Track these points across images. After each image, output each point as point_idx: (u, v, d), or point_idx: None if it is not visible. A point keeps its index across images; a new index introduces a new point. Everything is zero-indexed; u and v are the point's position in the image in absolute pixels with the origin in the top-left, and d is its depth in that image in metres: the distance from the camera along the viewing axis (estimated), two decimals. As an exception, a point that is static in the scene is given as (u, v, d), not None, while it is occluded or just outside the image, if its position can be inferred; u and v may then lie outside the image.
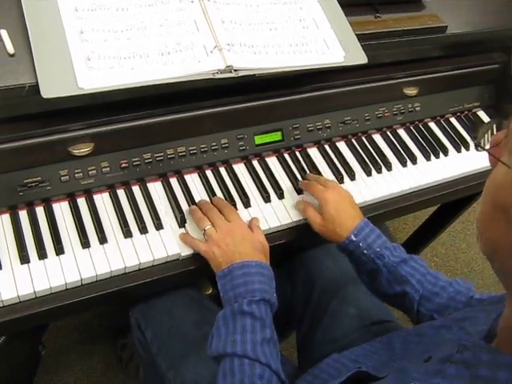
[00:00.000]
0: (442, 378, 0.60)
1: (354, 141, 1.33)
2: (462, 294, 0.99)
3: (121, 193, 1.09)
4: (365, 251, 1.03)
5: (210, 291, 1.67)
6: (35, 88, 0.89)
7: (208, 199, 1.12)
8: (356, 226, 1.04)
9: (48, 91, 0.87)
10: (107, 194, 1.08)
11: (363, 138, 1.35)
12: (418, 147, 1.38)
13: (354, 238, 1.03)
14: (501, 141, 0.55)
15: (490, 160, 0.58)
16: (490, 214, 0.55)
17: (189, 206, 1.10)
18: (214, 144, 1.15)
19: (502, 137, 0.55)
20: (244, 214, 1.12)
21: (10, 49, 0.93)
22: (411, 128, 1.42)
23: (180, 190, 1.12)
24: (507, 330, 0.62)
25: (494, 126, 0.64)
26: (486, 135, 0.65)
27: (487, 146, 0.59)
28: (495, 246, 0.55)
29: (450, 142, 1.41)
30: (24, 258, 0.94)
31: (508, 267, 0.55)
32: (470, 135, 1.44)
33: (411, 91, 1.36)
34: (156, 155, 1.10)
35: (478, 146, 0.58)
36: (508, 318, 0.62)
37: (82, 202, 1.05)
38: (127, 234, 1.02)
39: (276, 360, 0.87)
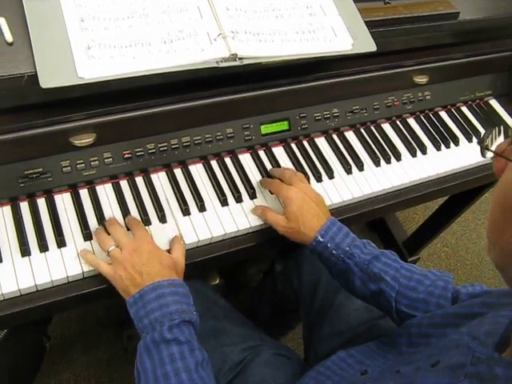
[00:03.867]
0: None
1: (362, 130, 1.31)
2: (439, 287, 0.95)
3: (124, 184, 1.07)
4: (334, 251, 0.99)
5: (218, 281, 1.66)
6: (34, 77, 0.87)
7: (213, 190, 1.10)
8: (322, 226, 1.00)
9: (47, 81, 0.85)
10: (110, 185, 1.06)
11: (372, 128, 1.32)
12: (427, 137, 1.35)
13: (320, 239, 0.99)
14: (505, 149, 0.54)
15: (495, 168, 0.56)
16: (500, 220, 0.54)
17: (193, 197, 1.08)
18: (219, 134, 1.13)
19: (506, 146, 0.54)
20: (249, 204, 1.10)
21: (9, 37, 0.91)
22: (421, 117, 1.39)
23: (184, 181, 1.10)
24: None
25: (498, 130, 0.62)
26: (490, 138, 0.63)
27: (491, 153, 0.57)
28: (509, 255, 0.53)
29: (461, 132, 1.38)
30: (25, 251, 0.93)
31: None
32: (481, 124, 1.41)
33: (421, 79, 1.33)
34: (160, 145, 1.08)
35: (484, 151, 0.56)
36: None
37: (84, 193, 1.04)
38: (130, 226, 1.01)
39: (214, 382, 0.83)
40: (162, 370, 0.79)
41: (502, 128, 0.60)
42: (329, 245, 0.99)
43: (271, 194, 1.12)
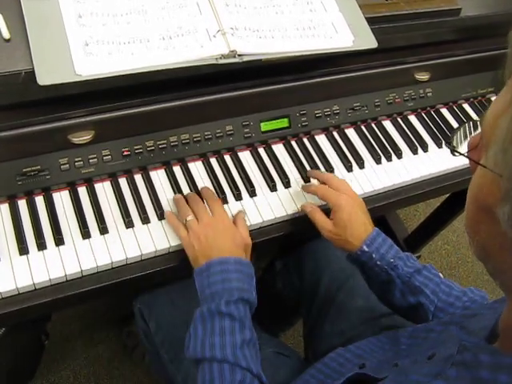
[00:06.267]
0: (442, 380, 0.58)
1: (363, 128, 1.30)
2: (477, 302, 0.95)
3: (123, 181, 1.06)
4: (378, 262, 0.98)
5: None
6: (31, 74, 0.86)
7: (212, 188, 1.09)
8: (368, 236, 1.00)
9: (44, 78, 0.84)
10: (108, 182, 1.05)
11: (373, 125, 1.31)
12: (429, 134, 1.34)
13: (366, 249, 0.99)
14: (478, 143, 0.53)
15: (470, 164, 0.56)
16: (475, 217, 0.54)
17: (192, 195, 1.07)
18: (218, 131, 1.12)
19: (479, 138, 0.53)
20: (249, 203, 1.09)
21: (6, 34, 0.90)
22: (422, 114, 1.38)
23: (183, 179, 1.09)
24: (507, 330, 0.60)
25: (470, 127, 0.62)
26: (460, 137, 0.62)
27: (463, 149, 0.57)
28: (486, 248, 0.54)
29: (463, 129, 1.37)
30: (23, 249, 0.92)
31: (501, 268, 0.53)
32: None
33: (423, 76, 1.32)
34: (159, 143, 1.07)
35: (453, 151, 0.56)
36: (507, 318, 0.60)
37: (82, 191, 1.03)
38: (129, 224, 1.00)
39: (256, 362, 0.85)
40: (210, 339, 0.83)
41: (472, 124, 0.60)
42: (374, 255, 0.99)
43: (270, 191, 1.12)
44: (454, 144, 0.60)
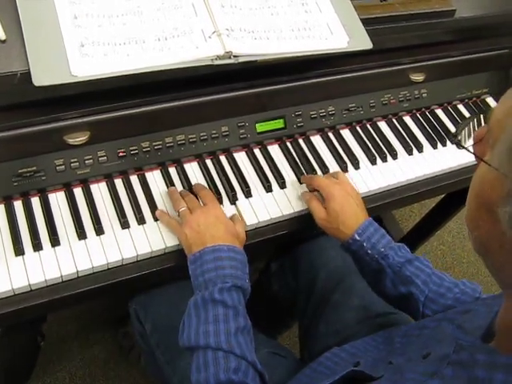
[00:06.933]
0: (438, 379, 0.58)
1: (358, 128, 1.30)
2: (467, 294, 0.96)
3: (118, 182, 1.06)
4: (368, 251, 0.99)
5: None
6: (27, 75, 0.86)
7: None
8: (360, 225, 1.01)
9: (40, 79, 0.84)
10: (104, 183, 1.05)
11: (368, 126, 1.31)
12: (424, 135, 1.34)
13: (357, 238, 1.00)
14: (483, 136, 0.53)
15: (475, 157, 0.56)
16: (475, 212, 0.54)
17: (188, 195, 1.08)
18: (214, 132, 1.12)
19: (485, 132, 0.53)
20: (245, 203, 1.09)
21: (1, 34, 0.90)
22: (417, 115, 1.38)
23: (178, 180, 1.10)
24: (504, 329, 0.61)
25: (475, 121, 0.62)
26: (466, 130, 0.62)
27: (469, 142, 0.57)
28: (485, 245, 0.54)
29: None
30: (19, 250, 0.93)
31: (499, 265, 0.54)
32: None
33: (418, 77, 1.32)
34: (154, 144, 1.07)
35: (458, 145, 0.56)
36: (504, 317, 0.61)
37: (78, 192, 1.03)
38: (124, 224, 1.00)
39: (251, 349, 0.85)
40: (204, 327, 0.84)
41: (481, 117, 0.60)
42: (364, 244, 1.00)
43: (266, 191, 1.12)
44: (459, 138, 0.61)
